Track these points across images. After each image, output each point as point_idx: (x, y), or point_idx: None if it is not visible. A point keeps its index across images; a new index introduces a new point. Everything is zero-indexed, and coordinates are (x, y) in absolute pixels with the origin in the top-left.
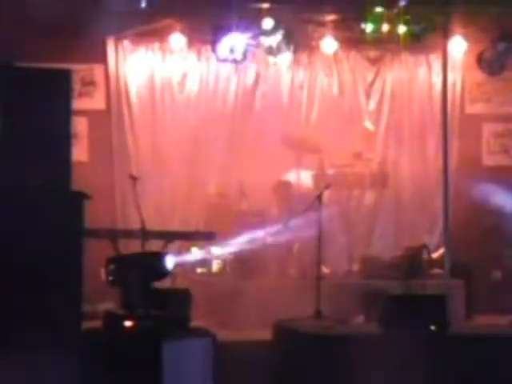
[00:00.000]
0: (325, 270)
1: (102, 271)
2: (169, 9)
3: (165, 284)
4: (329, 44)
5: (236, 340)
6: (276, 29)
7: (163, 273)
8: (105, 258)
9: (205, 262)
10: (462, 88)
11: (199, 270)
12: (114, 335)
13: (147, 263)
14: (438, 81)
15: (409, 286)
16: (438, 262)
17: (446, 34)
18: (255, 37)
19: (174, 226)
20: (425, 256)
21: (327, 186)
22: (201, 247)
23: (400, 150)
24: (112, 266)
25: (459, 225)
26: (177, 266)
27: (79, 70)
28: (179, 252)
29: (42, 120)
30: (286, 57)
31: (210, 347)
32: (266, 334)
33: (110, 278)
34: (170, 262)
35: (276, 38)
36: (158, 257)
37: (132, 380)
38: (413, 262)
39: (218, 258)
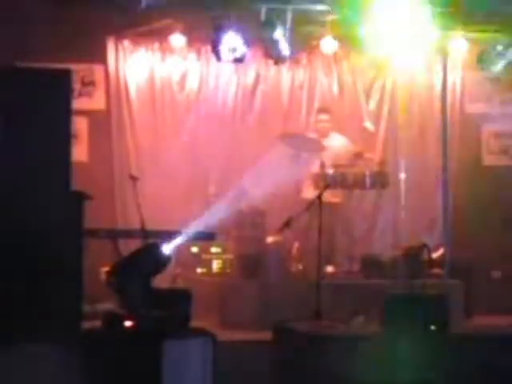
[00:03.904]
0: (328, 269)
1: (102, 271)
2: (169, 9)
3: (165, 284)
4: (329, 44)
5: (236, 340)
6: (276, 28)
7: (163, 262)
8: (105, 258)
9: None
10: (462, 88)
11: (199, 270)
12: (113, 335)
13: (145, 259)
14: (438, 81)
15: (409, 286)
16: (438, 262)
17: (446, 34)
18: (255, 37)
19: (174, 225)
20: (425, 256)
21: (327, 186)
22: (200, 247)
23: (400, 149)
24: (112, 275)
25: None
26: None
27: (79, 69)
28: (179, 252)
29: (42, 120)
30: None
31: (210, 347)
32: (266, 334)
33: (112, 287)
34: (166, 248)
35: (276, 38)
36: (154, 247)
37: (132, 380)
38: (413, 262)
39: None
